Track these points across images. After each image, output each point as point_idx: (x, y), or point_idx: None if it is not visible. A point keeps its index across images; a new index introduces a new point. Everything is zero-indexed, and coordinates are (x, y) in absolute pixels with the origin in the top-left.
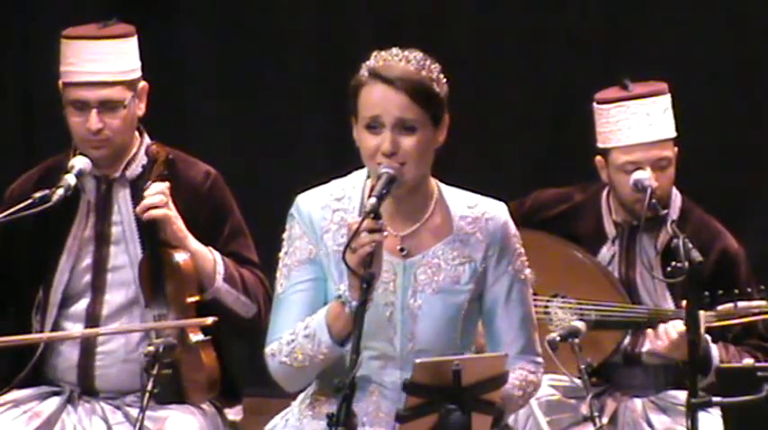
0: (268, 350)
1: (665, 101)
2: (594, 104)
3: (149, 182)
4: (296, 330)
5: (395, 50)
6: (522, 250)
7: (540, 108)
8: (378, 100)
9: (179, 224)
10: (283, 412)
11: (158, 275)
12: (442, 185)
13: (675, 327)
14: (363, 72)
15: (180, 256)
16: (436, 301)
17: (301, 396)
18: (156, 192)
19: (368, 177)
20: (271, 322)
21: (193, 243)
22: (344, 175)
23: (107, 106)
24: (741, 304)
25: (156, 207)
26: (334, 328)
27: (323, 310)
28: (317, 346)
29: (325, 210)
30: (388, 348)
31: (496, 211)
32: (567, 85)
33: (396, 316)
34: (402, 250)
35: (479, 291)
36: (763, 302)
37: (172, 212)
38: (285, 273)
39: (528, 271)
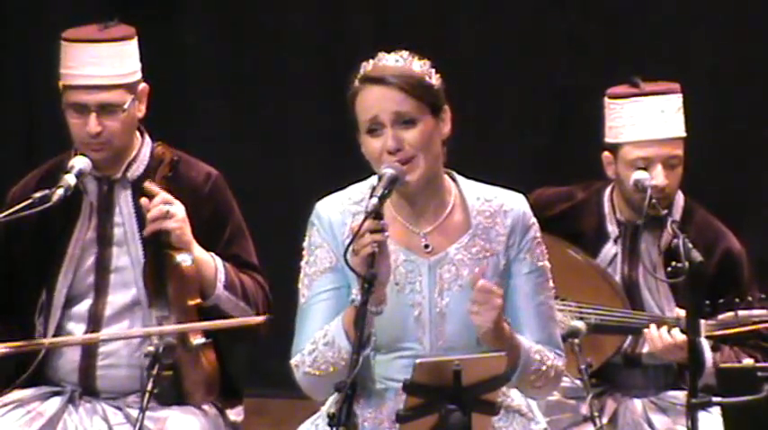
0: (293, 362)
1: (678, 100)
2: (606, 99)
3: (151, 183)
4: (316, 339)
5: (381, 54)
6: (542, 240)
7: (540, 108)
8: (373, 101)
9: (185, 228)
10: (313, 418)
11: (161, 277)
12: (460, 179)
13: (672, 334)
14: (355, 82)
15: (183, 258)
16: (463, 298)
17: (330, 400)
18: (157, 203)
19: None
20: (295, 333)
21: (197, 249)
22: (346, 175)
23: (106, 109)
24: (742, 313)
25: (158, 219)
26: (352, 333)
27: (339, 316)
28: (337, 353)
29: (345, 215)
30: (418, 348)
31: (514, 203)
32: (567, 84)
33: (424, 315)
34: (427, 247)
35: (505, 283)
36: (763, 311)
37: (175, 224)
38: (307, 283)
39: (546, 260)
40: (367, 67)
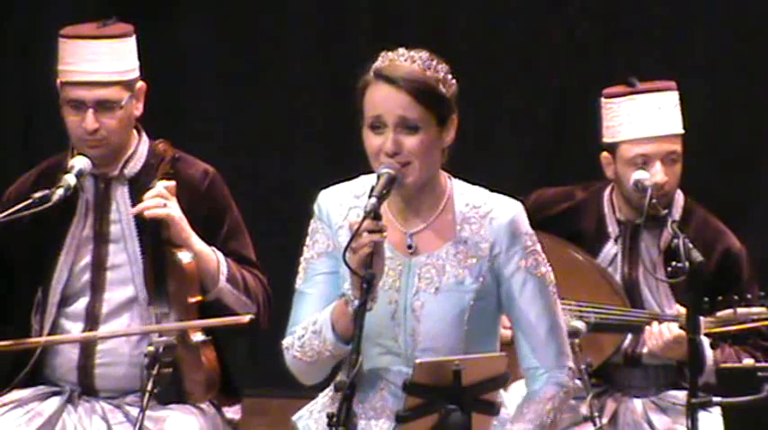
0: (284, 343)
1: (675, 97)
2: (602, 99)
3: (154, 180)
4: (306, 325)
5: (401, 50)
6: (538, 248)
7: (540, 108)
8: (381, 100)
9: (183, 224)
10: (310, 404)
11: (161, 274)
12: (456, 183)
13: (670, 329)
14: (369, 73)
15: (183, 256)
16: (439, 301)
17: (327, 389)
18: (154, 195)
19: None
20: (290, 315)
21: (197, 243)
22: (345, 175)
23: (103, 106)
24: (740, 310)
25: (153, 208)
26: (338, 326)
27: (329, 308)
28: (322, 343)
29: (342, 207)
30: (393, 345)
31: (503, 210)
32: (567, 85)
33: (399, 314)
34: (410, 247)
35: (491, 291)
36: (762, 309)
37: (174, 213)
38: (304, 266)
39: (545, 268)
40: (384, 60)
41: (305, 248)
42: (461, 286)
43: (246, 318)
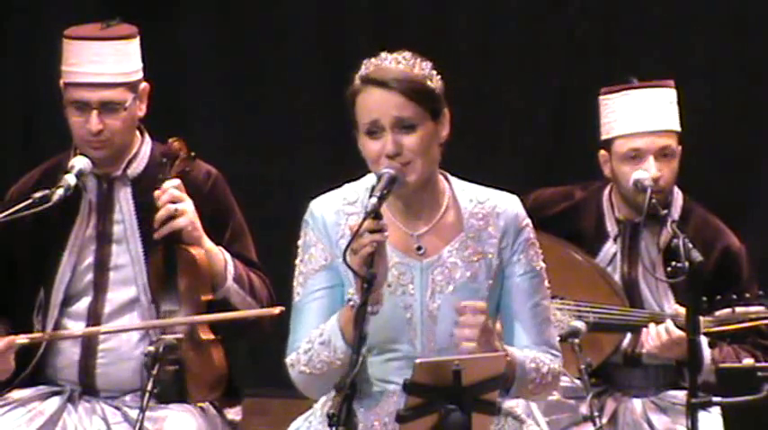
0: (288, 360)
1: (671, 93)
2: (600, 97)
3: (169, 178)
4: (311, 338)
5: (383, 55)
6: (536, 242)
7: (540, 108)
8: (374, 104)
9: (196, 223)
10: (306, 414)
11: (170, 271)
12: (454, 180)
13: (668, 329)
14: (356, 81)
15: (197, 252)
16: (455, 300)
17: (323, 398)
18: (165, 201)
19: None
20: (290, 331)
21: (207, 242)
22: (346, 175)
23: (108, 107)
24: (739, 310)
25: (170, 218)
26: (347, 333)
27: (334, 317)
28: (332, 352)
29: (339, 215)
30: (410, 350)
31: (507, 204)
32: (567, 85)
33: (416, 318)
34: (419, 249)
35: (498, 284)
36: (761, 308)
37: (184, 221)
38: (301, 281)
39: (542, 263)
40: (369, 66)
41: (300, 263)
42: (475, 282)
43: (277, 310)
